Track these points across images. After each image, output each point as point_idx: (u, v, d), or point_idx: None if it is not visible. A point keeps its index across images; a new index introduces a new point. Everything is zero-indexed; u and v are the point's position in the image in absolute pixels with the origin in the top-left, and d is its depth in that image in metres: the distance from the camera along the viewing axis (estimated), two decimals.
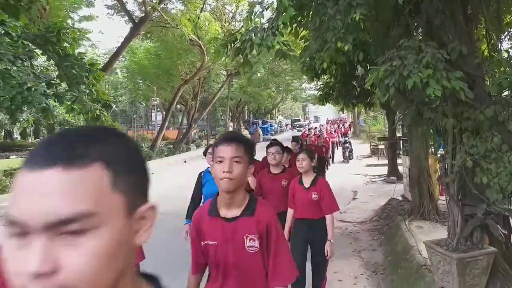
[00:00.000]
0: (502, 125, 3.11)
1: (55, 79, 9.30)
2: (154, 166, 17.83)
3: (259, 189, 4.07)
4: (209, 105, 25.02)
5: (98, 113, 9.36)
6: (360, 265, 5.44)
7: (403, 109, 3.80)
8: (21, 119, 12.13)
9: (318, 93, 9.54)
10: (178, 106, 32.76)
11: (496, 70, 3.17)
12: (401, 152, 9.83)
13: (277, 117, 56.68)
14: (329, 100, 9.17)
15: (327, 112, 72.04)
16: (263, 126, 37.84)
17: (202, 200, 3.79)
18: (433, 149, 7.15)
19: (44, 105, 8.66)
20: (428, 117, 3.60)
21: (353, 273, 5.13)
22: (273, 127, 40.77)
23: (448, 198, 3.85)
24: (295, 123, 45.37)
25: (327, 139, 14.70)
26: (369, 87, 8.67)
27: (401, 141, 11.09)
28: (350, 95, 8.67)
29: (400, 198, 8.15)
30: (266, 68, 19.23)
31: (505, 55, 3.42)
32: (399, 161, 12.20)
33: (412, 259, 4.71)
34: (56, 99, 9.11)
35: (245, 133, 32.71)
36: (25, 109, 8.27)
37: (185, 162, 19.53)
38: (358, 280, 4.93)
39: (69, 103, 9.17)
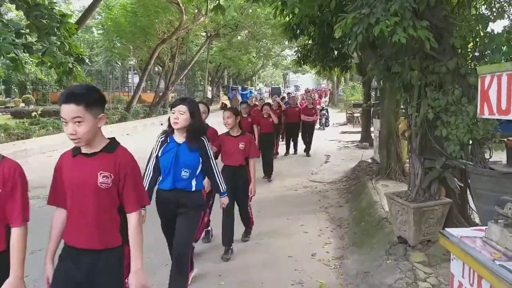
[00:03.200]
0: (463, 78, 3.21)
1: (24, 29, 8.91)
2: (129, 127, 17.65)
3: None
4: (187, 67, 24.54)
5: (71, 67, 9.07)
6: (326, 220, 5.64)
7: (373, 63, 3.84)
8: None
9: (296, 55, 9.47)
10: (156, 69, 32.05)
11: (463, 23, 3.22)
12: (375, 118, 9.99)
13: (257, 84, 56.30)
14: (306, 62, 9.11)
15: (307, 81, 71.96)
16: (242, 92, 37.51)
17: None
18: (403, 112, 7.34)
19: (13, 55, 8.33)
20: (396, 71, 3.67)
21: (318, 227, 5.32)
22: (252, 94, 40.51)
23: (410, 152, 3.99)
24: (285, 91, 42.88)
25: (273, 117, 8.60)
26: (346, 51, 8.71)
27: (373, 106, 11.29)
28: (327, 58, 8.61)
29: (370, 161, 8.37)
30: (238, 12, 18.01)
31: (474, 11, 3.48)
32: (372, 128, 12.46)
33: (375, 213, 4.91)
34: (25, 50, 8.76)
35: (224, 98, 32.43)
36: None
37: (161, 124, 19.35)
38: (323, 232, 5.12)
39: (39, 54, 8.84)
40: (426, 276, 3.27)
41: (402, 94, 4.06)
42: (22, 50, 8.30)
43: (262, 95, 48.80)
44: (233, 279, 3.74)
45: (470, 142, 3.42)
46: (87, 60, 9.82)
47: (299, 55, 9.13)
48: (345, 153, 11.41)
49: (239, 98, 34.51)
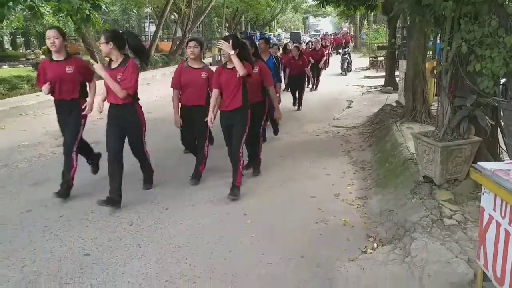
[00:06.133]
0: (501, 7, 2.98)
1: None
2: (148, 76, 17.59)
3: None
4: (203, 13, 23.86)
5: (88, 14, 8.92)
6: (348, 163, 5.62)
7: None
8: (9, 16, 11.40)
9: None
10: (172, 17, 31.30)
11: None
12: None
13: (276, 30, 54.59)
14: (329, 2, 8.71)
15: (328, 25, 69.37)
16: (261, 39, 36.47)
17: None
18: (430, 53, 7.03)
19: (30, 2, 8.22)
20: (428, 3, 3.44)
21: (341, 169, 5.32)
22: (271, 40, 39.35)
23: (439, 90, 3.84)
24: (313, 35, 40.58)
25: None
26: None
27: (397, 48, 10.86)
28: None
29: (394, 104, 8.18)
30: None
31: None
32: (397, 73, 12.07)
33: (400, 155, 4.85)
34: None
35: None
36: (11, 5, 7.83)
37: None
38: (346, 174, 5.13)
39: (55, 2, 8.70)
40: (452, 213, 3.26)
41: (432, 29, 3.84)
42: None
43: (281, 41, 47.34)
44: (258, 218, 3.82)
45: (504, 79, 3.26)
46: (103, 6, 9.63)
47: None
48: (368, 98, 11.16)
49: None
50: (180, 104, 4.68)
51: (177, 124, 4.68)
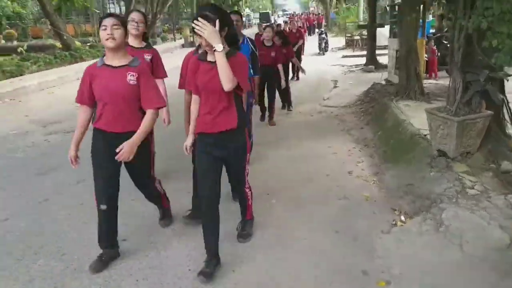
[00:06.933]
0: None
1: None
2: None
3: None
4: None
5: None
6: (351, 141, 5.74)
7: None
8: None
9: None
10: None
11: None
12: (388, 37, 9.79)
13: (244, 10, 53.90)
14: None
15: (295, 6, 69.22)
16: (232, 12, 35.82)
17: None
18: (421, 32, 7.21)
19: None
20: None
21: (345, 147, 5.44)
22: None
23: (451, 66, 3.99)
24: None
25: None
26: None
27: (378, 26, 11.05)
28: None
29: (384, 82, 8.36)
30: None
31: None
32: (378, 51, 12.34)
33: (405, 131, 5.01)
34: None
35: None
36: None
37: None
38: (352, 152, 5.26)
39: None
40: (472, 184, 3.44)
41: (443, 7, 3.95)
42: None
43: (250, 22, 46.77)
44: (282, 196, 3.89)
45: None
46: None
47: None
48: (352, 77, 11.34)
49: None
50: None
51: (74, 164, 2.65)
